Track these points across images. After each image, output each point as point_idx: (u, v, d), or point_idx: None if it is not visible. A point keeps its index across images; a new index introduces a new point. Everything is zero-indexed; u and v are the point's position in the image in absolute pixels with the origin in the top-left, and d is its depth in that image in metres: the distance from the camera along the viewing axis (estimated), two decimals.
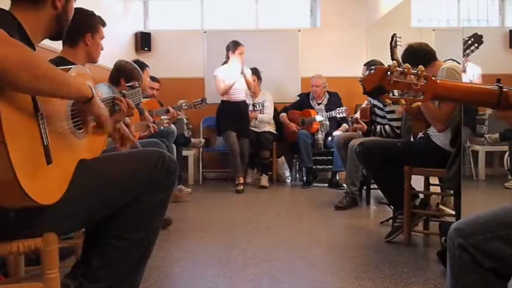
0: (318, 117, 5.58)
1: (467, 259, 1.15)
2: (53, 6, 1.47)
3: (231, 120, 5.23)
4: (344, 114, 5.32)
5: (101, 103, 1.45)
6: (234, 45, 5.06)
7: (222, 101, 5.32)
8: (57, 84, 1.20)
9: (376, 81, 1.18)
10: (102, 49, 2.50)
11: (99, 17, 2.50)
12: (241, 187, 5.15)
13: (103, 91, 3.06)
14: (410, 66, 1.18)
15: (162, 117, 3.97)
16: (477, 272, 1.14)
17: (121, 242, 1.48)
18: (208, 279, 2.43)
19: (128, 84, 2.07)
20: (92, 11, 2.45)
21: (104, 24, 2.53)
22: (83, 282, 1.46)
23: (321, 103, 5.73)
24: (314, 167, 5.61)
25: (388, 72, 1.18)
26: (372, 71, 1.19)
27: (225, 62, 5.16)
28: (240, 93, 5.28)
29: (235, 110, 5.28)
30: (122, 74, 3.34)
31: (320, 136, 5.60)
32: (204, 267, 2.65)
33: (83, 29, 2.37)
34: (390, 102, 1.22)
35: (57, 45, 2.27)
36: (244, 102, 5.41)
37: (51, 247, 1.33)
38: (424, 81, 1.19)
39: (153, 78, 4.81)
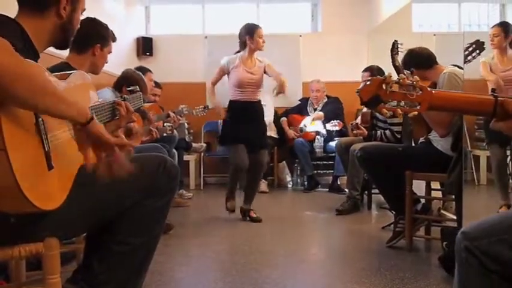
0: (312, 128, 5.60)
1: (473, 262, 1.16)
2: (58, 15, 1.46)
3: (242, 129, 3.89)
4: (337, 128, 5.31)
5: (101, 127, 1.40)
6: (253, 28, 3.93)
7: (231, 101, 4.01)
8: (54, 101, 1.18)
9: (373, 92, 1.20)
10: (106, 62, 2.54)
11: (112, 32, 2.54)
12: (234, 204, 4.09)
13: (107, 96, 3.09)
14: (405, 77, 1.19)
15: (165, 124, 3.98)
16: (483, 275, 1.15)
17: (122, 246, 1.48)
18: (209, 284, 2.43)
19: (128, 89, 2.08)
20: (106, 24, 2.49)
21: (114, 39, 2.58)
22: (84, 286, 1.47)
23: (316, 109, 5.74)
24: (315, 171, 5.62)
25: (384, 83, 1.19)
26: (368, 83, 1.20)
27: (238, 52, 4.02)
28: (254, 90, 3.97)
29: (247, 113, 3.92)
30: (125, 82, 3.39)
31: (317, 144, 5.59)
32: (205, 272, 2.65)
33: (94, 38, 2.40)
34: (387, 112, 1.22)
35: (62, 52, 2.28)
36: (259, 103, 4.02)
37: (53, 252, 1.33)
38: (420, 92, 1.20)
39: (156, 84, 4.82)
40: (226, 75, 4.01)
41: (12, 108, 1.12)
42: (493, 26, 3.40)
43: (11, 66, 1.05)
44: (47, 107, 1.17)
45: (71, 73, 1.50)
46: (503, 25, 3.39)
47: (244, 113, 3.90)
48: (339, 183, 5.43)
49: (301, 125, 5.69)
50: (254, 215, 3.99)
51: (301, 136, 5.60)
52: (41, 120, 1.21)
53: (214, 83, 4.05)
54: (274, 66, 3.99)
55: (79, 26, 1.59)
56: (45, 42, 1.49)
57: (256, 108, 3.99)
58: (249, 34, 3.90)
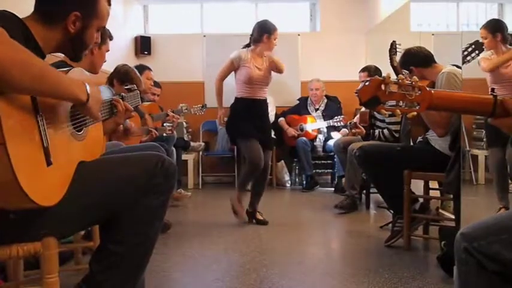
0: (313, 126, 5.60)
1: (473, 262, 1.17)
2: (65, 29, 1.43)
3: (253, 126, 3.76)
4: (342, 123, 5.35)
5: (96, 109, 1.43)
6: (271, 28, 3.80)
7: (237, 99, 3.85)
8: (52, 84, 1.19)
9: (371, 93, 1.19)
10: (105, 61, 2.53)
11: (109, 31, 2.53)
12: (243, 214, 3.93)
13: (105, 93, 3.07)
14: (404, 77, 1.19)
15: (165, 124, 3.97)
16: (483, 275, 1.16)
17: (120, 246, 1.47)
18: (207, 284, 2.43)
19: (126, 87, 2.08)
20: None
21: (111, 37, 2.56)
22: (82, 286, 1.46)
23: (318, 109, 5.74)
24: (314, 171, 5.62)
25: (383, 84, 1.19)
26: (367, 83, 1.20)
27: (247, 46, 3.91)
28: (261, 87, 3.82)
29: (256, 110, 3.81)
30: (115, 76, 3.39)
31: (319, 143, 5.61)
32: (203, 271, 2.65)
33: None
34: (386, 113, 1.22)
35: None
36: (265, 101, 3.90)
37: (51, 251, 1.33)
38: (419, 92, 1.19)
39: (155, 83, 4.81)
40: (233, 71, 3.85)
41: (12, 102, 1.12)
42: (480, 28, 3.27)
43: (6, 52, 1.06)
44: (47, 90, 1.19)
45: (69, 69, 1.49)
46: (488, 25, 3.25)
47: (250, 111, 3.76)
48: (343, 183, 5.43)
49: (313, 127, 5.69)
50: (260, 217, 3.88)
51: (303, 135, 5.61)
52: (40, 115, 1.21)
53: (223, 79, 3.87)
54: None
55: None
56: (51, 48, 1.46)
57: (262, 106, 3.86)
58: (268, 33, 3.78)
